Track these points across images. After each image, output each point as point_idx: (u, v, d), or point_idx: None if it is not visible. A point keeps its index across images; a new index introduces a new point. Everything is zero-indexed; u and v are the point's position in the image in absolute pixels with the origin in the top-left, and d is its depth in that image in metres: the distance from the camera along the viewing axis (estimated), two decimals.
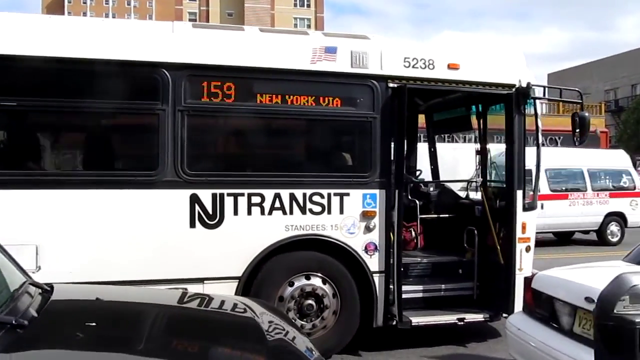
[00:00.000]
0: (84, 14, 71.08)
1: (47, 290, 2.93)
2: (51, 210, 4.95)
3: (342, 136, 6.08)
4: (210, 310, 3.07)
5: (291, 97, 5.45)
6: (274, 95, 5.43)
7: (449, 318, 5.92)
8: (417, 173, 8.35)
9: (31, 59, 4.89)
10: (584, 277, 4.38)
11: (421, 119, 8.47)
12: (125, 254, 5.05)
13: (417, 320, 5.77)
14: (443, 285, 6.31)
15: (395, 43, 5.92)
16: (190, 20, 71.14)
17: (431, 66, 5.78)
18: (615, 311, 2.83)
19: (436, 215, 7.26)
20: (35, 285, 2.93)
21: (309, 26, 71.40)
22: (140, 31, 5.49)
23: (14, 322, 2.21)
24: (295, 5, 74.89)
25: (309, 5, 75.16)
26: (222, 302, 3.17)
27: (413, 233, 7.09)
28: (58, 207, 4.98)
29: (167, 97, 5.14)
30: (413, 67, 5.72)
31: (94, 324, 2.43)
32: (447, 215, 7.13)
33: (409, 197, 7.45)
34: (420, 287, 6.21)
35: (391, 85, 5.65)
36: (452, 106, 7.63)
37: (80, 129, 5.56)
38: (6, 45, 4.88)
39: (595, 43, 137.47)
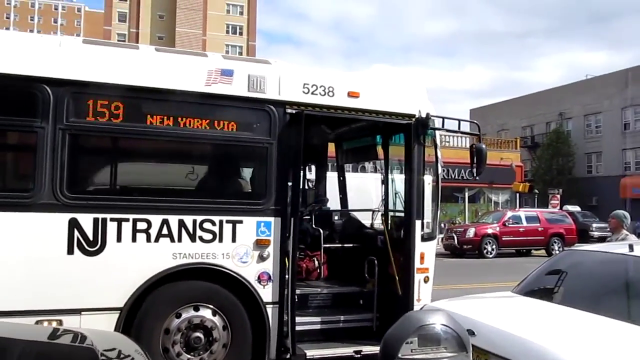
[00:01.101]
0: (7, 30, 68.15)
1: None
2: None
3: (237, 161, 5.91)
4: (39, 342, 2.80)
5: (184, 119, 5.25)
6: (165, 117, 5.20)
7: (346, 350, 5.78)
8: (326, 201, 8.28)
9: None
10: (468, 308, 4.36)
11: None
12: None
13: (313, 353, 5.59)
14: (342, 317, 6.20)
15: (296, 69, 5.85)
16: (119, 41, 69.62)
17: (331, 93, 5.73)
18: (400, 355, 2.53)
19: (340, 245, 7.18)
20: None
21: (240, 54, 71.40)
22: (24, 44, 5.15)
23: None
24: (227, 32, 74.72)
25: (241, 33, 75.19)
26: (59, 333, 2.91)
27: (316, 262, 6.99)
28: None
29: (47, 114, 4.82)
30: (312, 93, 5.66)
31: None
32: (351, 245, 7.07)
33: (314, 225, 7.36)
34: (318, 319, 6.06)
35: (289, 111, 5.55)
36: (358, 135, 7.65)
37: None
38: None
39: (515, 82, 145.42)
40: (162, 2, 73.71)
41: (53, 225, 4.82)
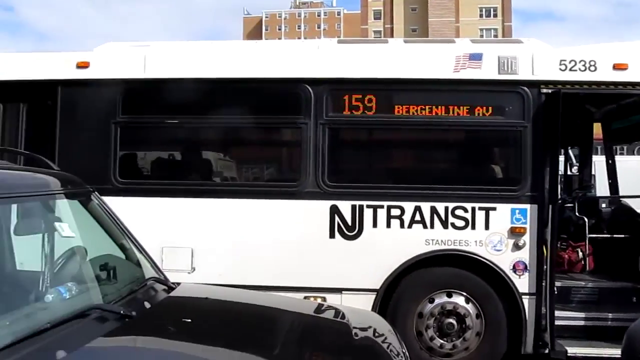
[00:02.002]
0: (279, 40, 76.41)
1: (171, 287, 3.19)
2: (205, 217, 5.40)
3: (489, 147, 5.74)
4: (305, 315, 3.13)
5: (433, 107, 5.30)
6: (415, 106, 5.32)
7: (614, 352, 5.21)
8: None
9: (199, 81, 5.42)
10: None
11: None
12: (268, 261, 5.29)
13: (575, 350, 5.19)
14: (611, 314, 5.60)
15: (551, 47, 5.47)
16: (375, 38, 72.90)
17: (592, 68, 5.22)
18: None
19: (609, 235, 6.50)
20: (161, 282, 3.19)
21: (495, 36, 68.96)
22: (288, 50, 5.77)
23: (122, 312, 2.43)
24: (481, 16, 72.96)
25: (495, 15, 72.72)
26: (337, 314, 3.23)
27: (580, 254, 6.44)
28: (211, 214, 5.41)
29: (310, 111, 5.32)
30: (570, 70, 5.22)
31: (189, 320, 2.61)
32: (621, 236, 6.36)
33: (577, 213, 6.80)
34: (581, 314, 5.59)
35: (544, 90, 5.21)
36: (630, 112, 6.78)
37: (231, 144, 6.02)
38: (175, 70, 5.49)
39: None
40: None
41: (317, 211, 5.31)
